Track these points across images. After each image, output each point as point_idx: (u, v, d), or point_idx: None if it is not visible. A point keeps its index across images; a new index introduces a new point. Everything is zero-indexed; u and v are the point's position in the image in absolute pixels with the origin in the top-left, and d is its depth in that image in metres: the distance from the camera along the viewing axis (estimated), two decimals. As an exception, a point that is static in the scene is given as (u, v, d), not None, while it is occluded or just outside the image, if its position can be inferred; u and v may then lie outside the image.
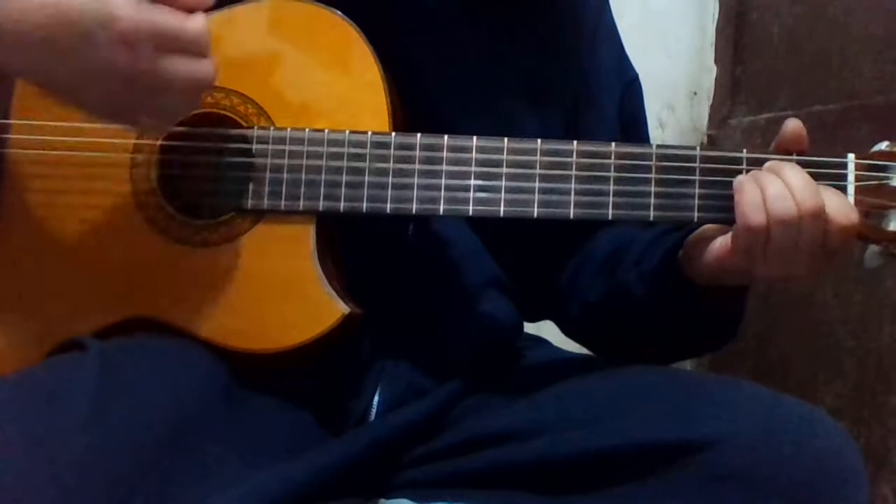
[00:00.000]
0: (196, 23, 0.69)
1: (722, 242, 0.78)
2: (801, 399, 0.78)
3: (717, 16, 1.71)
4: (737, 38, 1.66)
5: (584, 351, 1.00)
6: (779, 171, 0.76)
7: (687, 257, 0.82)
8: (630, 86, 0.98)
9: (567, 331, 1.00)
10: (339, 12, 0.81)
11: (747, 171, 0.78)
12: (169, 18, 0.69)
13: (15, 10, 0.67)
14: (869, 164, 0.78)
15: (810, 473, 0.72)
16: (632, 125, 0.97)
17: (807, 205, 0.74)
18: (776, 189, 0.75)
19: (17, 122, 0.80)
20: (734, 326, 0.87)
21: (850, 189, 0.78)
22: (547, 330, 1.03)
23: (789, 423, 0.74)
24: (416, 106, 0.84)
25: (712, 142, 1.68)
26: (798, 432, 0.73)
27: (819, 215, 0.74)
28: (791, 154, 0.79)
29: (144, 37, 0.67)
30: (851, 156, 0.79)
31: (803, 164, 0.77)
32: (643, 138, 0.99)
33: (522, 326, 0.97)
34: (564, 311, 0.98)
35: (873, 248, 0.79)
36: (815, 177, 0.77)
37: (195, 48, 0.70)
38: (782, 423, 0.74)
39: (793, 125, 0.79)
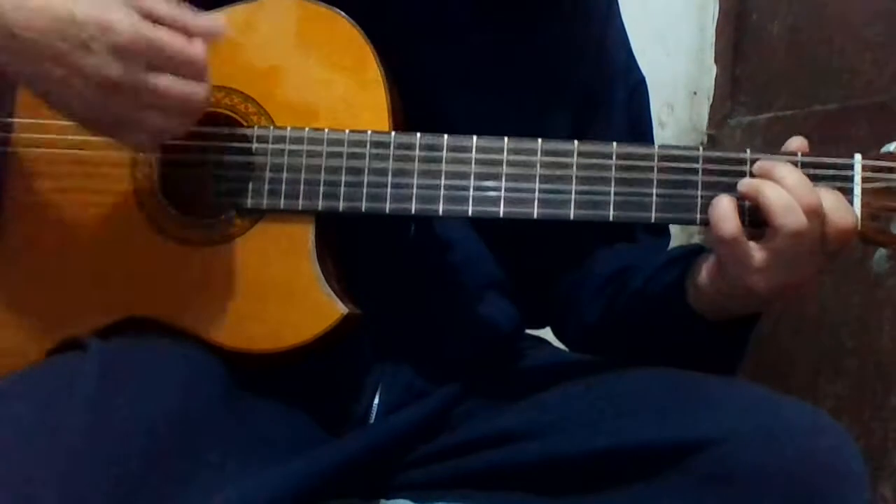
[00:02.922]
0: (195, 48, 0.71)
1: (713, 259, 0.78)
2: (801, 399, 0.79)
3: (717, 16, 1.71)
4: (737, 38, 1.66)
5: (584, 352, 1.00)
6: (771, 173, 0.76)
7: (690, 286, 0.82)
8: (637, 88, 0.98)
9: (564, 343, 1.00)
10: (339, 11, 0.81)
11: (750, 172, 0.77)
12: (165, 38, 0.70)
13: (22, 17, 0.68)
14: (876, 165, 0.77)
15: (811, 474, 0.72)
16: (637, 127, 0.96)
17: (803, 202, 0.73)
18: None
19: (21, 120, 0.80)
20: (732, 362, 0.86)
21: (857, 190, 0.77)
22: (547, 330, 1.03)
23: (790, 423, 0.74)
24: (417, 105, 0.84)
25: (712, 142, 1.68)
26: (799, 433, 0.73)
27: (817, 214, 0.74)
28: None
29: (138, 51, 0.69)
30: (858, 157, 0.77)
31: (809, 165, 0.77)
32: (648, 140, 0.98)
33: (523, 328, 0.97)
34: (561, 325, 0.98)
35: (881, 252, 0.78)
36: (821, 178, 0.76)
37: (190, 70, 0.71)
38: (783, 424, 0.73)
39: (797, 143, 0.79)
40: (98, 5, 0.69)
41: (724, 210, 0.75)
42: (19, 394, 0.68)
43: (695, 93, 1.72)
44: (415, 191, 0.78)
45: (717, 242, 0.76)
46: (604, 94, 0.94)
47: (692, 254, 0.85)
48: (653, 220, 0.78)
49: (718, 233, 0.75)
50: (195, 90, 0.71)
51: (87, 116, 0.71)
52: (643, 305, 0.86)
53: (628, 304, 0.88)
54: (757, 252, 0.74)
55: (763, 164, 0.77)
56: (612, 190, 0.78)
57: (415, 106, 0.84)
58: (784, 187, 0.74)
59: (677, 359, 0.83)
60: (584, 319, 0.93)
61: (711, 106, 1.70)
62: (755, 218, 0.75)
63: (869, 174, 0.77)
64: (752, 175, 0.77)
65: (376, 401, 0.85)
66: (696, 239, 1.48)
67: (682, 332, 0.83)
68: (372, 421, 0.85)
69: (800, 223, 0.73)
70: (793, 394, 0.79)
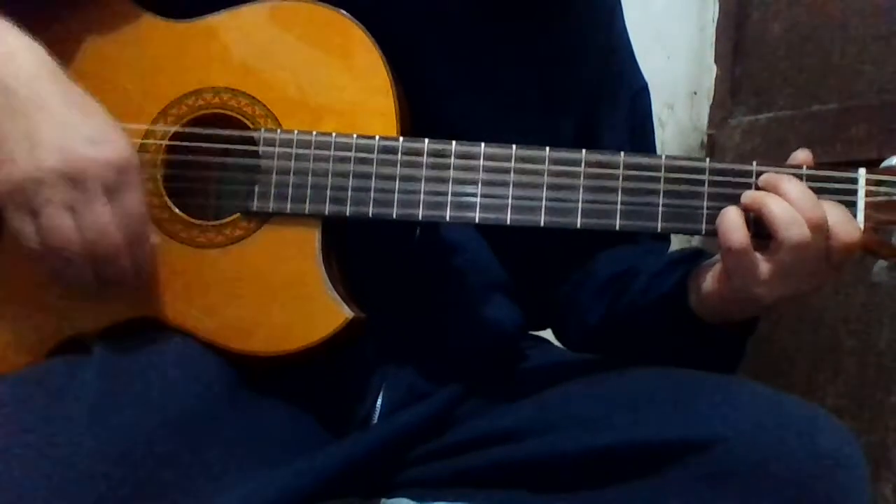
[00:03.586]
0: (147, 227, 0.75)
1: (718, 268, 0.78)
2: (801, 399, 0.79)
3: (717, 16, 1.71)
4: (737, 38, 1.66)
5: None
6: (776, 187, 0.76)
7: (693, 291, 0.82)
8: (639, 94, 0.98)
9: (565, 345, 1.01)
10: (347, 14, 0.81)
11: (756, 185, 0.78)
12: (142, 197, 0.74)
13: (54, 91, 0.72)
14: (879, 179, 0.78)
15: (813, 473, 0.72)
16: (639, 134, 0.97)
17: (807, 215, 0.74)
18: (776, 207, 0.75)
19: None
20: (731, 365, 0.87)
21: (861, 204, 0.77)
22: (548, 330, 1.03)
23: (793, 422, 0.74)
24: (425, 108, 0.84)
25: (712, 142, 1.68)
26: (801, 431, 0.73)
27: (821, 227, 0.74)
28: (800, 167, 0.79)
29: (119, 179, 0.72)
30: (862, 171, 0.78)
31: (814, 178, 0.77)
32: (649, 148, 0.99)
33: (526, 330, 0.97)
34: (562, 327, 0.99)
35: (882, 264, 0.79)
36: (825, 191, 0.77)
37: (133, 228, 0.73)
38: (786, 422, 0.74)
39: (802, 156, 0.79)
40: (119, 130, 0.73)
41: (733, 221, 0.75)
42: (20, 394, 0.68)
43: (695, 93, 1.72)
44: (422, 197, 0.78)
45: (724, 253, 0.76)
46: (606, 99, 0.95)
47: (693, 257, 0.85)
48: (658, 230, 0.78)
49: (727, 243, 0.75)
50: (109, 242, 0.72)
51: (18, 179, 0.71)
52: (644, 307, 0.86)
53: (629, 306, 0.88)
54: (762, 263, 0.75)
55: (768, 177, 0.77)
56: (619, 199, 0.78)
57: (417, 108, 0.84)
58: (788, 201, 0.74)
59: (676, 360, 0.83)
60: (584, 321, 0.94)
61: (711, 106, 1.71)
62: (760, 230, 0.76)
63: (872, 188, 0.78)
64: (757, 188, 0.77)
65: (379, 401, 0.85)
66: (696, 241, 1.48)
67: (681, 333, 0.83)
68: (374, 422, 0.85)
69: (803, 236, 0.73)
70: (793, 393, 0.79)
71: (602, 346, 0.94)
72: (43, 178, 0.70)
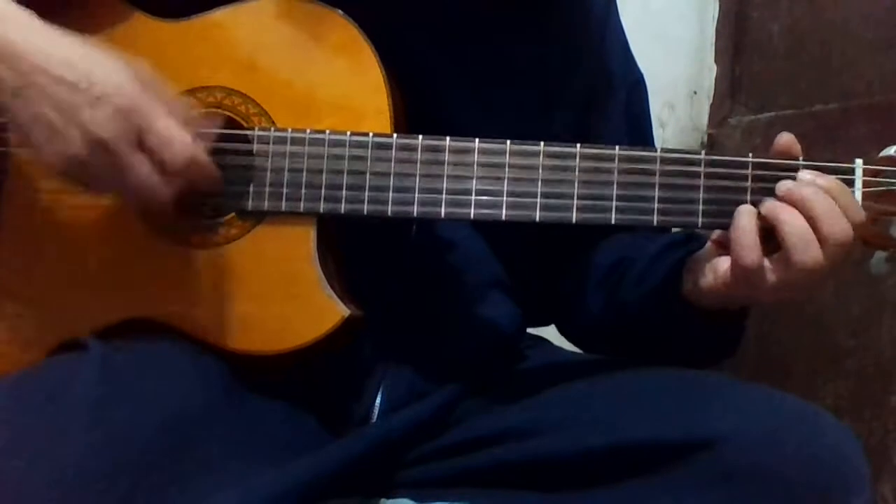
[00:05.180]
0: (181, 145, 0.73)
1: (722, 268, 0.78)
2: (801, 399, 0.79)
3: (717, 16, 1.71)
4: (737, 38, 1.66)
5: (584, 351, 1.00)
6: (800, 202, 0.75)
7: (689, 282, 0.82)
8: (635, 87, 0.98)
9: (569, 338, 1.01)
10: (341, 12, 0.81)
11: (752, 175, 0.77)
12: (161, 119, 0.72)
13: (41, 60, 0.71)
14: (877, 169, 0.78)
15: (815, 473, 0.72)
16: (636, 127, 0.97)
17: (834, 237, 0.73)
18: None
19: None
20: (732, 348, 0.87)
21: (858, 195, 0.77)
22: (547, 329, 1.03)
23: (794, 422, 0.74)
24: (419, 106, 0.84)
25: (712, 141, 1.68)
26: (803, 431, 0.73)
27: (844, 247, 0.74)
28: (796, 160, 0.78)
29: (136, 118, 0.71)
30: (860, 161, 0.78)
31: (811, 170, 0.77)
32: (647, 140, 0.98)
33: (525, 329, 0.97)
34: (565, 320, 0.98)
35: (880, 255, 0.79)
36: None
37: (167, 164, 0.73)
38: (787, 423, 0.74)
39: (785, 139, 0.79)
40: (113, 68, 0.72)
41: (748, 237, 0.75)
42: (19, 395, 0.68)
43: (695, 92, 1.72)
44: (417, 193, 0.78)
45: (734, 265, 0.75)
46: (603, 93, 0.95)
47: (685, 241, 0.85)
48: (654, 224, 0.78)
49: (741, 261, 0.74)
50: (159, 191, 0.73)
51: (60, 164, 0.72)
52: (640, 296, 0.86)
53: (626, 295, 0.88)
54: (770, 275, 0.75)
55: (791, 191, 0.75)
56: (615, 194, 0.78)
57: (415, 106, 0.84)
58: (812, 217, 0.73)
59: (678, 347, 0.84)
60: (587, 311, 0.93)
61: (711, 106, 1.70)
62: (770, 236, 0.75)
63: (870, 178, 0.77)
64: (773, 184, 0.76)
65: (378, 401, 0.85)
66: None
67: (678, 320, 0.83)
68: (373, 420, 0.84)
69: (817, 261, 0.73)
70: (793, 394, 0.79)
71: (606, 337, 0.93)
72: (80, 159, 0.71)
